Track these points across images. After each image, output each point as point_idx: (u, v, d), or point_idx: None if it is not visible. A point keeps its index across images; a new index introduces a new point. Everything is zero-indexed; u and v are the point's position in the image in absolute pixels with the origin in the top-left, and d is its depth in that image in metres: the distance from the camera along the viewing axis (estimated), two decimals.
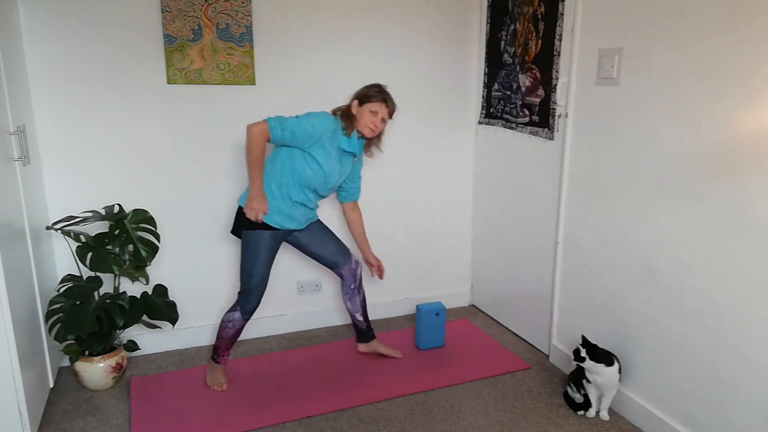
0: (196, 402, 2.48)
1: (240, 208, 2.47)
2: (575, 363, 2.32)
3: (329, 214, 2.97)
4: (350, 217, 2.76)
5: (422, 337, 2.95)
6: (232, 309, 2.55)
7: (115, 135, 2.67)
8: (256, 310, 2.57)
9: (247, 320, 2.56)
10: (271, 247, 2.49)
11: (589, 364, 2.27)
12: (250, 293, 2.51)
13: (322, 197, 2.60)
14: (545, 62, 2.69)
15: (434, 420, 2.38)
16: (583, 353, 2.27)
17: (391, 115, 2.52)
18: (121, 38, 2.58)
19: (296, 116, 2.35)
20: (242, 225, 2.46)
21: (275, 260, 2.56)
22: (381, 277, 2.85)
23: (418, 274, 2.91)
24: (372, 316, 3.10)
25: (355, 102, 2.47)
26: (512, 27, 2.93)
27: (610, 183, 2.39)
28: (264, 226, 2.43)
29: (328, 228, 2.74)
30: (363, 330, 2.85)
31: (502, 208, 3.21)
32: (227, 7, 2.70)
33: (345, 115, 2.46)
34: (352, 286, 2.77)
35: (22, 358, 2.04)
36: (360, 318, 2.83)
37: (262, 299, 2.55)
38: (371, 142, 2.58)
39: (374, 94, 2.46)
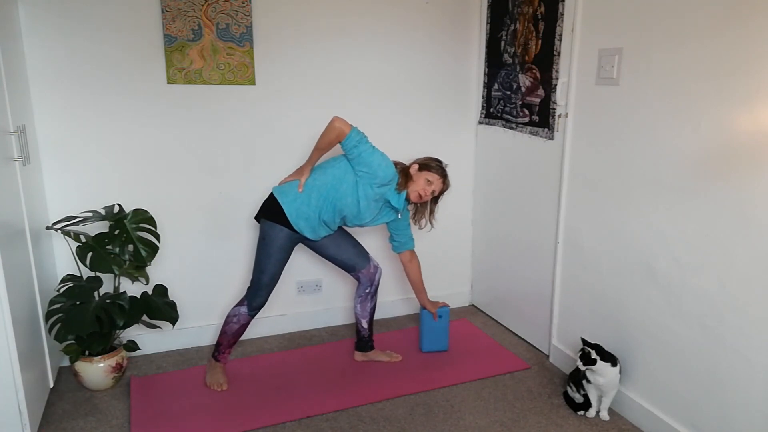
0: (195, 402, 2.48)
1: (271, 195, 2.50)
2: (585, 367, 2.28)
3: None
4: (407, 268, 2.79)
5: (425, 339, 2.93)
6: (240, 303, 2.56)
7: (115, 135, 2.67)
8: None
9: (252, 316, 2.57)
10: (284, 248, 2.50)
11: (598, 365, 2.26)
12: (259, 289, 2.53)
13: (347, 227, 2.65)
14: (545, 62, 2.69)
15: (434, 420, 2.38)
16: (594, 355, 2.25)
17: (442, 193, 2.59)
18: (121, 38, 2.58)
19: (373, 146, 2.41)
20: (266, 213, 2.49)
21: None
22: (435, 318, 2.87)
23: None
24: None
25: (416, 166, 2.54)
26: (512, 27, 2.93)
27: (610, 183, 2.39)
28: (284, 222, 2.45)
29: (346, 231, 2.74)
30: (364, 338, 2.84)
31: (502, 208, 3.21)
32: (227, 7, 2.70)
33: (403, 173, 2.51)
34: (368, 290, 2.76)
35: (22, 358, 2.04)
36: (365, 325, 2.82)
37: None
38: (422, 212, 2.65)
39: (435, 167, 2.55)
